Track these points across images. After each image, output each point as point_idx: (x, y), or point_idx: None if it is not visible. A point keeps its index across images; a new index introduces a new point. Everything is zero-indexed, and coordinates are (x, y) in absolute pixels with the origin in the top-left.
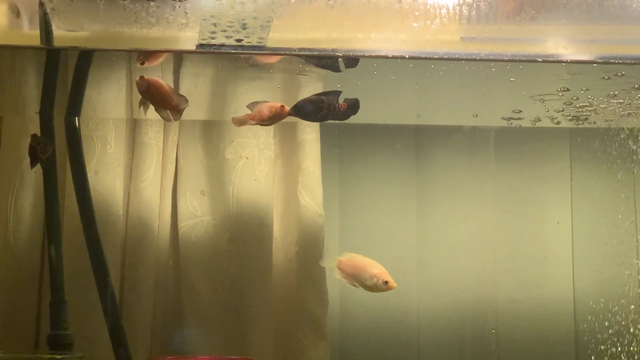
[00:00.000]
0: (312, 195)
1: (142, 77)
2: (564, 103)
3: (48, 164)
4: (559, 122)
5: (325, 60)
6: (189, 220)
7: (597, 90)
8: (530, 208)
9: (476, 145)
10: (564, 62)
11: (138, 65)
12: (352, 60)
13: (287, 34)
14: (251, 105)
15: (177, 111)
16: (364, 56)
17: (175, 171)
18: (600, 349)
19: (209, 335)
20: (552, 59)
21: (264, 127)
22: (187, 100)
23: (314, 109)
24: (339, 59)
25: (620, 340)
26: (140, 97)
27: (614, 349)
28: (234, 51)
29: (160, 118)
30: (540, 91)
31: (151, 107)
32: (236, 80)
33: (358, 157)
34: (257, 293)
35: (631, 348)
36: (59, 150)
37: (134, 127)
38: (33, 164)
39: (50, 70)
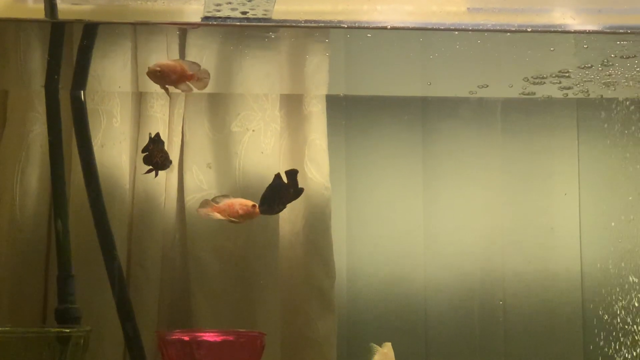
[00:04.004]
0: (318, 167)
1: (150, 69)
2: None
3: (54, 138)
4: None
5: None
6: (196, 193)
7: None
8: (537, 180)
9: (483, 117)
10: (571, 32)
11: None
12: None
13: (292, 5)
14: (219, 199)
15: (197, 80)
16: (369, 27)
17: (181, 144)
18: (608, 320)
19: (216, 309)
20: (559, 30)
21: (269, 99)
22: (199, 65)
23: (280, 201)
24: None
25: (628, 312)
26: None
27: (621, 321)
28: (239, 23)
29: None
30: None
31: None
32: (242, 53)
33: (365, 129)
34: (264, 266)
35: (638, 320)
36: (65, 124)
37: (139, 100)
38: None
39: (55, 43)
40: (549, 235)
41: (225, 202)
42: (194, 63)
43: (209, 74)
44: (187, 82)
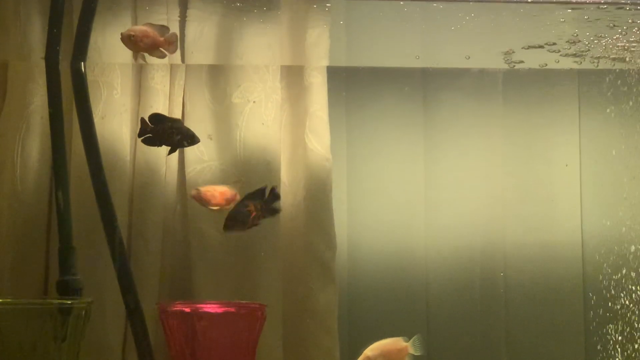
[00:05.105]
0: (319, 139)
1: (122, 34)
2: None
3: (55, 110)
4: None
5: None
6: (196, 165)
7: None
8: (538, 151)
9: (484, 88)
10: (571, 2)
11: None
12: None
13: None
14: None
15: (168, 44)
16: None
17: (182, 116)
18: (608, 291)
19: (217, 280)
20: (559, 0)
21: (270, 71)
22: (168, 29)
23: (243, 219)
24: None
25: (628, 283)
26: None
27: (622, 292)
28: None
29: (166, 63)
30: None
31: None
32: (242, 24)
33: (365, 101)
34: (265, 238)
35: (639, 291)
36: (65, 96)
37: (140, 72)
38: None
39: (55, 15)
40: (550, 206)
41: (207, 189)
42: (163, 26)
43: (177, 37)
44: (160, 48)
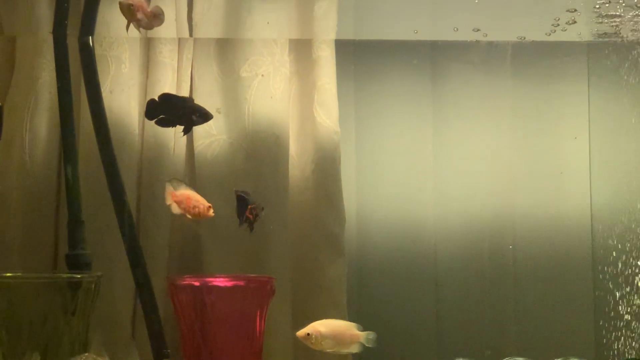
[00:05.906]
0: (328, 112)
1: (122, 3)
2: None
3: (63, 84)
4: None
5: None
6: (205, 139)
7: None
8: (547, 124)
9: (493, 61)
10: None
11: None
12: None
13: None
14: (176, 184)
15: (154, 16)
16: None
17: (190, 90)
18: (617, 264)
19: (226, 254)
20: None
21: (278, 44)
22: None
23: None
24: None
25: (637, 254)
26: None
27: (630, 265)
28: None
29: (174, 37)
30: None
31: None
32: None
33: (374, 74)
34: (274, 211)
35: None
36: (73, 71)
37: (148, 46)
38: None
39: None
40: (558, 179)
41: (183, 194)
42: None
43: (163, 11)
44: (146, 19)
